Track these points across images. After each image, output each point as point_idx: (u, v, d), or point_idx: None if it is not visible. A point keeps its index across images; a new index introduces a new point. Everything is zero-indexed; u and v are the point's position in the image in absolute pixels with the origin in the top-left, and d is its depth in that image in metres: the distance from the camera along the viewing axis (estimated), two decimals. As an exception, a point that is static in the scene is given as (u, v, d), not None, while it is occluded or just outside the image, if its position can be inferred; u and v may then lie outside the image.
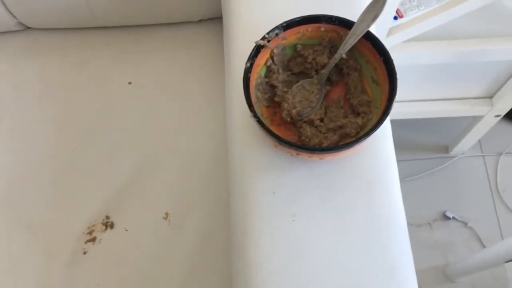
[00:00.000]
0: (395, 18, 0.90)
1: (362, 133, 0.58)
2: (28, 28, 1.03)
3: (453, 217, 1.40)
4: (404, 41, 0.94)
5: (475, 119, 1.28)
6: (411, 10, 0.92)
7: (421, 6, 0.92)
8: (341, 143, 0.59)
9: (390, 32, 0.90)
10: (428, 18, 0.89)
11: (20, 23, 1.00)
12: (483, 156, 1.47)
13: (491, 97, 1.18)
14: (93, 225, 0.86)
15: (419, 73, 1.07)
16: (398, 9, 0.91)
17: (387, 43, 0.90)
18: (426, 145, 1.49)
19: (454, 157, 1.46)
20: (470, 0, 0.85)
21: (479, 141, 1.48)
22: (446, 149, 1.48)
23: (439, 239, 1.38)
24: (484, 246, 1.37)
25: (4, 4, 0.94)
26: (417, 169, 1.45)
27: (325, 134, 0.60)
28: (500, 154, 1.47)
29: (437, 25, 0.90)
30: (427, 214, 1.41)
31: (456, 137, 1.43)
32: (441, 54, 0.97)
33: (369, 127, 0.58)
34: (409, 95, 1.16)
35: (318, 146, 0.58)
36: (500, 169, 1.45)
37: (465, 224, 1.39)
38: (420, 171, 1.45)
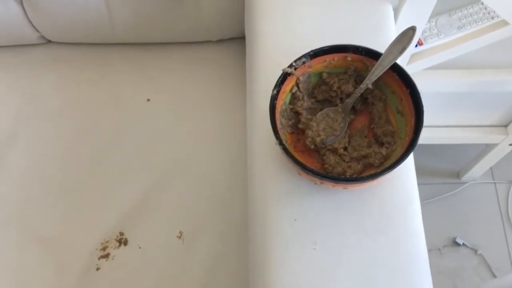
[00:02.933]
0: (415, 45, 0.91)
1: (386, 163, 0.58)
2: (49, 41, 1.04)
3: (463, 244, 1.39)
4: (424, 69, 0.94)
5: (489, 147, 1.28)
6: (431, 38, 0.92)
7: (440, 35, 0.92)
8: (365, 172, 0.59)
9: (411, 59, 0.91)
10: (447, 49, 0.89)
11: (42, 37, 1.01)
12: (494, 183, 1.47)
13: (506, 125, 1.18)
14: (107, 241, 0.86)
15: (436, 100, 1.07)
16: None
17: (408, 70, 0.90)
18: (437, 170, 1.48)
19: (465, 183, 1.46)
20: (490, 33, 0.86)
21: (491, 168, 1.47)
22: (457, 175, 1.48)
23: (448, 266, 1.37)
24: (493, 274, 1.36)
25: (28, 18, 0.95)
26: (428, 194, 1.44)
27: (349, 163, 0.60)
28: (511, 182, 1.46)
29: (457, 55, 0.91)
30: (437, 240, 1.40)
31: (468, 164, 1.43)
32: (459, 83, 0.97)
33: (393, 157, 0.59)
34: (425, 121, 1.16)
35: (343, 176, 0.58)
36: (511, 197, 1.44)
37: (475, 251, 1.38)
38: (431, 196, 1.44)
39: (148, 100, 0.97)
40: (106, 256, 0.85)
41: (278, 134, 0.57)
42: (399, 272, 0.56)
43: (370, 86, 0.60)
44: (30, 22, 0.96)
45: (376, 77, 0.59)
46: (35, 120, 0.97)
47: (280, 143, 0.56)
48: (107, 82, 1.00)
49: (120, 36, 1.00)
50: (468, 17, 0.93)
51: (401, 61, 0.88)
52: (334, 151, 0.61)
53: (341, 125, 0.62)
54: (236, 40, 1.02)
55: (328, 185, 0.57)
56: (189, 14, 0.94)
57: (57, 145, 0.94)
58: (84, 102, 0.98)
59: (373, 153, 0.59)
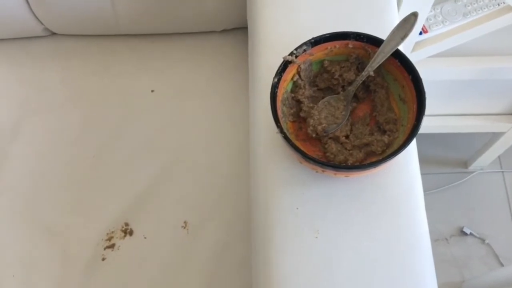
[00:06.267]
0: (420, 33, 0.90)
1: (388, 151, 0.58)
2: (54, 33, 1.04)
3: (471, 233, 1.38)
4: (429, 57, 0.94)
5: (496, 135, 1.27)
6: (436, 25, 0.91)
7: (446, 22, 0.91)
8: (367, 160, 0.59)
9: (415, 47, 0.90)
10: (452, 35, 0.88)
11: (47, 29, 1.01)
12: (502, 172, 1.46)
13: (513, 113, 1.17)
14: (112, 232, 0.86)
15: (442, 88, 1.06)
16: (423, 24, 0.90)
17: (412, 58, 0.89)
18: (445, 159, 1.47)
19: (473, 172, 1.45)
20: (496, 19, 0.85)
21: (499, 157, 1.46)
22: (465, 164, 1.47)
23: (455, 255, 1.37)
24: (501, 263, 1.35)
25: (31, 10, 0.95)
26: (435, 183, 1.44)
27: (351, 151, 0.59)
28: (519, 170, 1.45)
29: (462, 43, 0.90)
30: (444, 229, 1.40)
31: (475, 153, 1.41)
32: (465, 71, 0.96)
33: (395, 145, 0.58)
34: (431, 110, 1.15)
35: (344, 164, 0.58)
36: (519, 186, 1.43)
37: (483, 240, 1.38)
38: (438, 186, 1.43)
39: (153, 91, 0.97)
40: (112, 246, 0.85)
41: (279, 122, 0.56)
42: (402, 260, 0.56)
43: (371, 73, 0.59)
44: (34, 14, 0.96)
45: (378, 64, 0.59)
46: (40, 112, 0.97)
47: (281, 131, 0.56)
48: (111, 74, 1.00)
49: (124, 28, 1.00)
50: (474, 3, 0.92)
51: (405, 48, 0.88)
52: (336, 139, 0.60)
53: (343, 113, 0.61)
54: (240, 30, 1.02)
55: (330, 173, 0.57)
56: (192, 4, 0.94)
57: (62, 137, 0.95)
58: (89, 93, 0.99)
59: (375, 141, 0.59)
